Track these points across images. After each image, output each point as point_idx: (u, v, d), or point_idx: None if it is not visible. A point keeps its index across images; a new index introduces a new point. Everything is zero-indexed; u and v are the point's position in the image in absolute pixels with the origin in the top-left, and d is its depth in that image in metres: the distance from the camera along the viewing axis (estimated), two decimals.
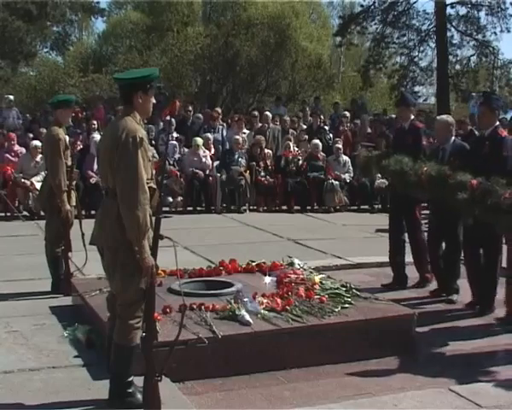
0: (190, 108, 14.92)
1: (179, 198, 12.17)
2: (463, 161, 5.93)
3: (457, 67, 24.76)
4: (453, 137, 6.56)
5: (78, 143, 10.78)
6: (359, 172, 6.73)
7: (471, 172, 5.47)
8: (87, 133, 13.14)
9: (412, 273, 7.09)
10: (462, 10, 23.90)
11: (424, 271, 6.97)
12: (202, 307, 5.00)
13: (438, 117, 6.85)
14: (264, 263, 6.48)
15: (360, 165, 7.00)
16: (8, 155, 11.89)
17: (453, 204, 5.49)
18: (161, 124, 13.74)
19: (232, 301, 5.11)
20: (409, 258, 7.13)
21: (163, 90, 15.12)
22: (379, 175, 10.43)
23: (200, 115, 14.76)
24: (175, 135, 13.16)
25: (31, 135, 12.89)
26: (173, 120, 13.63)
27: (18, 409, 3.91)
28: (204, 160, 12.59)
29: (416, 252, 7.00)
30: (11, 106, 14.95)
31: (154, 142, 12.84)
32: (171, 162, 12.28)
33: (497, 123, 6.00)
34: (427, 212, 7.54)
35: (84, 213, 8.56)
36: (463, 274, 6.47)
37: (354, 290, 5.66)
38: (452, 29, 23.94)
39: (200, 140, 12.78)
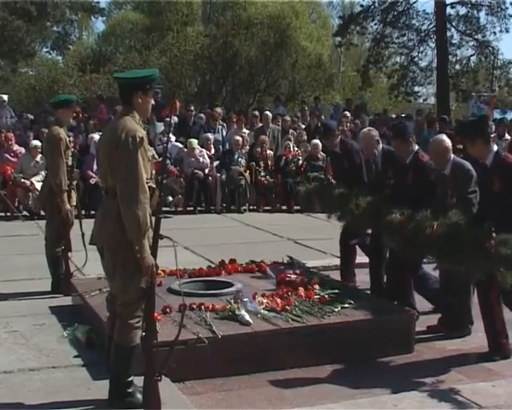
0: (192, 107, 14.92)
1: (179, 196, 12.17)
2: (393, 167, 5.99)
3: (457, 66, 24.79)
4: (380, 146, 6.47)
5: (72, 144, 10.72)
6: (301, 205, 6.59)
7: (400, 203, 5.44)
8: (86, 133, 13.13)
9: None
10: (462, 10, 23.98)
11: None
12: (202, 307, 5.00)
13: (362, 132, 6.82)
14: (263, 263, 6.49)
15: (301, 198, 6.95)
16: (7, 155, 11.87)
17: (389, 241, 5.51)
18: (157, 124, 13.72)
19: (232, 301, 5.11)
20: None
21: (157, 90, 15.08)
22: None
23: (202, 115, 14.76)
24: (172, 137, 13.16)
25: (29, 134, 12.90)
26: (174, 119, 13.65)
27: (18, 409, 3.91)
28: (201, 159, 12.58)
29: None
30: (4, 106, 14.99)
31: (159, 142, 12.83)
32: (172, 162, 12.27)
33: (416, 148, 5.89)
34: None
35: (84, 213, 8.56)
36: None
37: (354, 290, 5.66)
38: (452, 29, 23.98)
39: (194, 141, 12.74)
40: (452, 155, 5.65)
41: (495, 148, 5.11)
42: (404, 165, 5.86)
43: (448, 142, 5.66)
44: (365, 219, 5.82)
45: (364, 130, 6.83)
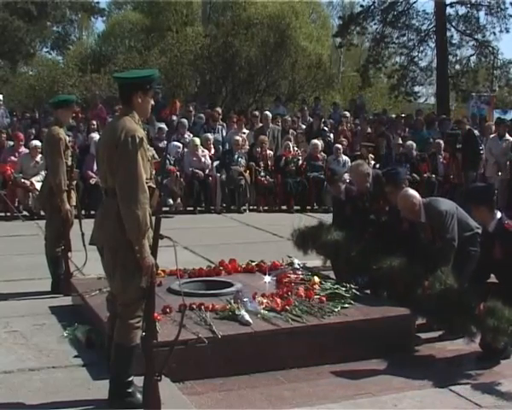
0: (191, 108, 14.91)
1: (179, 200, 12.15)
2: (380, 189, 6.16)
3: (457, 66, 24.81)
4: (370, 178, 6.57)
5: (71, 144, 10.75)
6: (294, 246, 6.75)
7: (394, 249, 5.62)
8: (87, 133, 13.14)
9: None
10: (462, 10, 23.99)
11: None
12: (202, 307, 5.00)
13: (351, 167, 6.92)
14: (263, 263, 6.48)
15: (295, 239, 7.04)
16: (10, 155, 11.86)
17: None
18: (157, 124, 13.73)
19: (232, 301, 5.11)
20: None
21: (158, 90, 15.11)
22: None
23: (202, 115, 14.76)
24: (186, 136, 13.19)
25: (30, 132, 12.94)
26: (185, 120, 13.68)
27: (18, 409, 3.91)
28: (203, 159, 12.58)
29: None
30: (0, 105, 15.02)
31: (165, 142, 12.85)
32: (172, 162, 12.26)
33: None
34: None
35: (84, 213, 8.56)
36: None
37: (354, 290, 5.66)
38: (452, 29, 23.99)
39: (197, 140, 12.76)
40: (421, 202, 5.68)
41: (498, 215, 5.12)
42: (399, 211, 5.91)
43: (411, 196, 5.69)
44: (358, 267, 5.98)
45: (353, 165, 6.93)
